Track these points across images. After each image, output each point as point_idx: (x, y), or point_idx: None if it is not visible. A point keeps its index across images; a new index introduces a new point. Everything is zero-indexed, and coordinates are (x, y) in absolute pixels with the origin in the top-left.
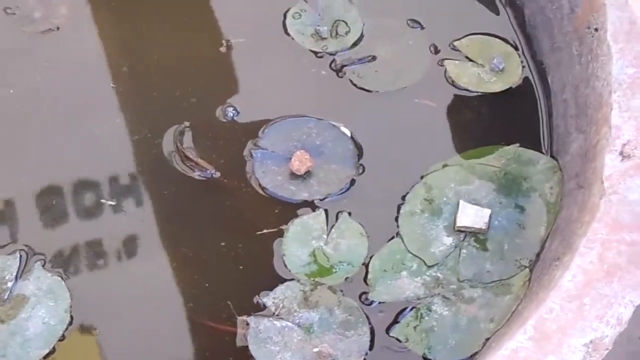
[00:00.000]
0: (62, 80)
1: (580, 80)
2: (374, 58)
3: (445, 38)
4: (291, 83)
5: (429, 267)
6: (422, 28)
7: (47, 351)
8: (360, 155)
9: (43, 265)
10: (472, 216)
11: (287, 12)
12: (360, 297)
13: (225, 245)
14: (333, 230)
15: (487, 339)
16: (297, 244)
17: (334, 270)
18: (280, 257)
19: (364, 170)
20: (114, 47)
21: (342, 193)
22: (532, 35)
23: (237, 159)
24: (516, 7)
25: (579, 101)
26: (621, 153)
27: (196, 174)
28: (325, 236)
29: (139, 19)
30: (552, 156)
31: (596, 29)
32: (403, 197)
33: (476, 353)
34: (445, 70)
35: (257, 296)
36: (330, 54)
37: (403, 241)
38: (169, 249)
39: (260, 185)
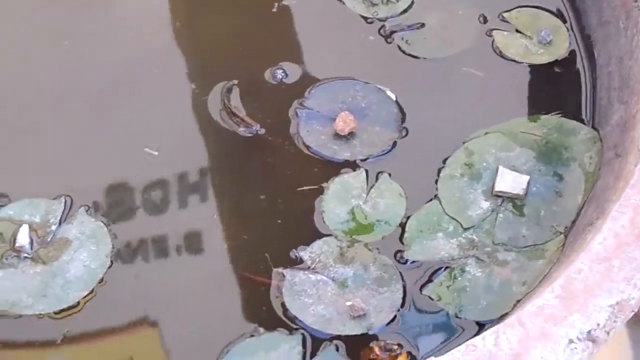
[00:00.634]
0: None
1: (625, 52)
2: (423, 25)
3: (495, 9)
4: (340, 47)
5: (465, 229)
6: None
7: (86, 293)
8: (404, 119)
9: (87, 211)
10: (510, 182)
11: None
12: (395, 255)
13: (266, 200)
14: (373, 189)
15: (518, 301)
16: (336, 202)
17: (371, 229)
18: (319, 213)
19: (407, 134)
20: (170, 3)
21: (383, 154)
22: (580, 9)
23: (282, 117)
24: None
25: (622, 73)
26: None
27: (241, 130)
28: (364, 195)
29: None
30: (593, 127)
31: None
32: (444, 161)
33: (506, 314)
34: (493, 40)
35: (294, 250)
36: (380, 20)
37: (441, 203)
38: (210, 201)
39: (304, 143)
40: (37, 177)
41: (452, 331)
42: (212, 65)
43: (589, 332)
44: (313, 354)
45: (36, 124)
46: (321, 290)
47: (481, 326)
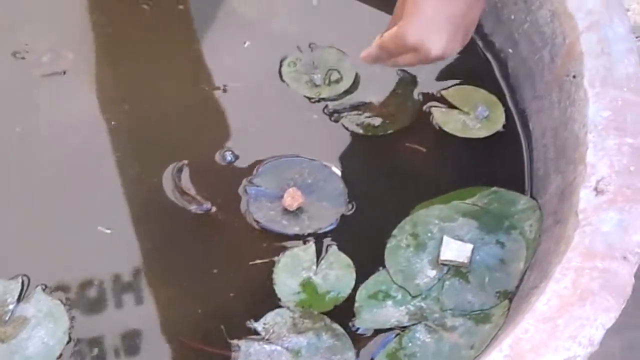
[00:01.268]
0: (65, 118)
1: (559, 124)
2: (364, 104)
3: (433, 87)
4: (286, 126)
5: (414, 297)
6: (411, 77)
7: None
8: (350, 193)
9: (43, 290)
10: (455, 250)
11: (283, 60)
12: (347, 324)
13: (218, 274)
14: (322, 261)
15: None
16: (287, 274)
17: (323, 299)
18: (271, 286)
19: (353, 207)
20: (116, 88)
21: (331, 228)
22: (514, 85)
23: (232, 195)
24: (500, 60)
25: (557, 144)
26: (595, 189)
27: (193, 208)
28: (314, 267)
29: (139, 63)
30: (532, 196)
31: (574, 76)
32: (390, 233)
33: None
34: (432, 117)
35: (249, 321)
36: (323, 100)
37: (389, 273)
38: (163, 278)
39: (254, 219)
40: None
41: None
42: (162, 146)
43: None
44: None
45: None
46: (275, 359)
47: None
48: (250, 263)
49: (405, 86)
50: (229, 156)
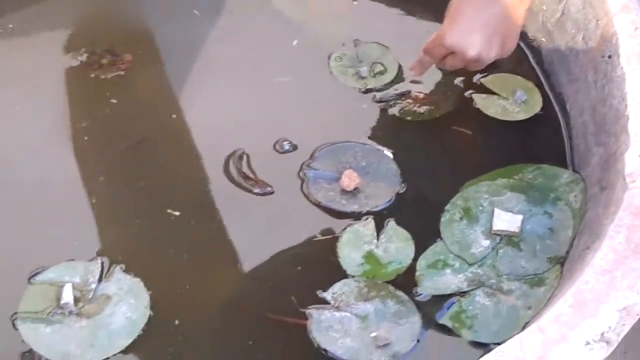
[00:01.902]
0: (128, 114)
1: (598, 101)
2: (409, 93)
3: (472, 76)
4: (337, 115)
5: (470, 265)
6: None
7: (130, 341)
8: (402, 174)
9: (122, 270)
10: (506, 221)
11: (329, 56)
12: (409, 291)
13: (285, 251)
14: (382, 235)
15: (526, 323)
16: (351, 248)
17: (385, 269)
18: (336, 259)
19: (406, 186)
20: (174, 84)
21: (388, 205)
22: (549, 71)
23: (292, 179)
24: (534, 49)
25: (596, 120)
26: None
27: (256, 191)
28: (375, 241)
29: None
30: (574, 170)
31: (609, 56)
32: (442, 208)
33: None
34: (474, 102)
35: (318, 292)
36: (370, 90)
37: (446, 244)
38: (232, 255)
39: (314, 199)
40: (71, 243)
41: (468, 354)
42: (222, 136)
43: (602, 334)
44: None
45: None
46: (346, 325)
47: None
48: (315, 239)
49: (446, 76)
50: (286, 145)
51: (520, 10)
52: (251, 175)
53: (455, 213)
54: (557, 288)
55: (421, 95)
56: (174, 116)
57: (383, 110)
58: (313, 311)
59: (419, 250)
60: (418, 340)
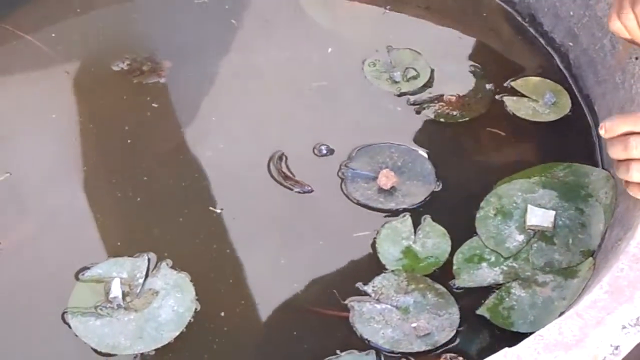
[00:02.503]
0: (170, 117)
1: (626, 101)
2: (442, 96)
3: (502, 80)
4: (373, 118)
5: (506, 259)
6: (482, 71)
7: (178, 333)
8: (437, 173)
9: (169, 266)
10: (539, 217)
11: (363, 61)
12: (447, 284)
13: (325, 246)
14: (419, 231)
15: (562, 313)
16: (389, 243)
17: (423, 264)
18: (375, 254)
19: (442, 185)
20: (212, 89)
21: (424, 203)
22: (577, 74)
23: (330, 179)
24: (562, 53)
25: None
26: None
27: (296, 190)
28: (413, 236)
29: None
30: (604, 168)
31: (637, 58)
32: (477, 205)
33: None
34: (505, 105)
35: (359, 284)
36: (404, 94)
37: (481, 239)
38: (275, 251)
39: (353, 198)
40: (117, 241)
41: (506, 344)
42: (262, 138)
43: (637, 318)
44: None
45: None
46: (387, 316)
47: None
48: (354, 235)
49: (477, 79)
50: (324, 149)
51: None
52: (291, 175)
53: (490, 210)
54: (590, 279)
55: (454, 99)
56: (213, 119)
57: (417, 113)
58: (355, 303)
59: (455, 245)
60: (457, 331)
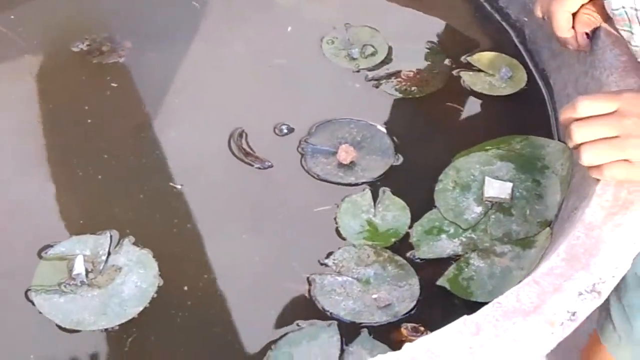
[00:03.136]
0: (130, 97)
1: (580, 74)
2: (399, 72)
3: (459, 55)
4: (332, 95)
5: (464, 230)
6: (439, 47)
7: (141, 308)
8: (396, 147)
9: (132, 242)
10: (497, 188)
11: (322, 39)
12: (407, 256)
13: (286, 220)
14: (379, 205)
15: (520, 282)
16: (349, 217)
17: (383, 236)
18: (335, 228)
19: (400, 159)
20: (173, 68)
21: (383, 177)
22: (533, 49)
23: (290, 155)
24: (517, 28)
25: (579, 91)
26: None
27: (257, 166)
28: (373, 210)
29: (196, 47)
30: (560, 140)
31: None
32: (435, 179)
33: None
34: (462, 80)
35: (319, 259)
36: (363, 70)
37: (440, 211)
38: (236, 225)
39: (313, 173)
40: (79, 219)
41: (466, 312)
42: (222, 116)
43: (593, 285)
44: (349, 341)
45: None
46: (348, 288)
47: None
48: (315, 210)
49: (434, 55)
50: (285, 129)
51: None
52: (251, 152)
53: (449, 182)
54: (547, 248)
55: (412, 74)
56: (174, 98)
57: (375, 89)
58: (316, 276)
59: (415, 218)
60: (418, 301)
